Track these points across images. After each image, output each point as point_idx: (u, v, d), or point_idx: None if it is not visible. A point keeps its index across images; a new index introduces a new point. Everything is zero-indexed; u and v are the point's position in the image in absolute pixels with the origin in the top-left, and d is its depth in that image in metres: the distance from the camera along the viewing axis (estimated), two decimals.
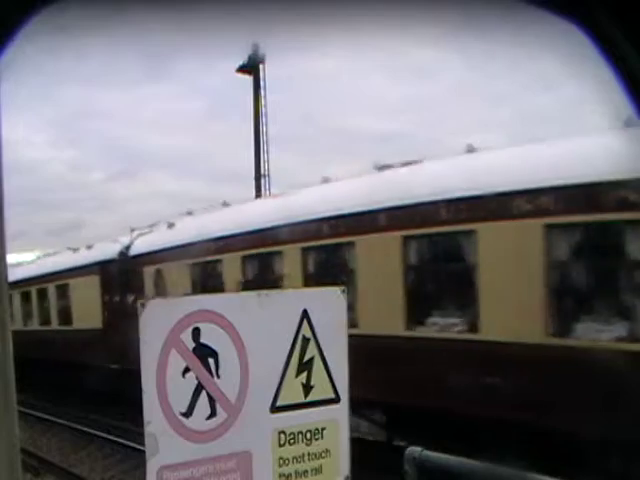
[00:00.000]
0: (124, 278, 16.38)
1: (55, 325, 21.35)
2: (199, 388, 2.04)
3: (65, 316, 20.55)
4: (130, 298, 15.45)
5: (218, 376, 2.07)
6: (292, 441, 2.23)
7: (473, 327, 9.17)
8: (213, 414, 2.07)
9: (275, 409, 2.20)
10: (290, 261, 11.83)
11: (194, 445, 2.04)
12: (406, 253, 9.97)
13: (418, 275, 10.08)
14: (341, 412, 2.33)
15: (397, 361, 9.97)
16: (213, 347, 2.06)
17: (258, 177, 23.51)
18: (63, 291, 20.75)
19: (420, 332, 9.83)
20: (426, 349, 9.69)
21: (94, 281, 18.33)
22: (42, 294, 22.25)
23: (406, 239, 9.92)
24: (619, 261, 7.90)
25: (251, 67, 23.03)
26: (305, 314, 2.23)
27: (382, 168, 11.11)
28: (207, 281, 14.14)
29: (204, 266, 14.29)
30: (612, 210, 7.48)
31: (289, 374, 2.22)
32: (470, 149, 9.79)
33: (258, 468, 2.16)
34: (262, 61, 23.02)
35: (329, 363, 2.29)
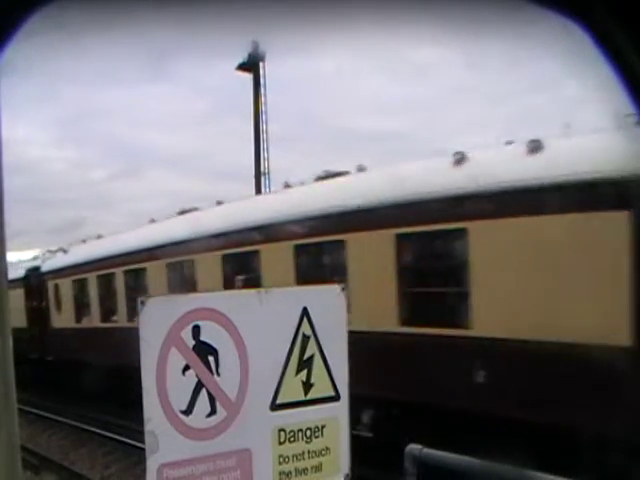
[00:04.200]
0: None
1: None
2: (199, 386, 2.04)
3: None
4: None
5: (218, 374, 2.07)
6: (292, 439, 2.23)
7: None
8: (213, 412, 2.07)
9: (275, 407, 2.20)
10: None
11: (194, 443, 2.04)
12: None
13: None
14: (341, 410, 2.33)
15: None
16: (213, 345, 2.06)
17: (258, 175, 23.49)
18: None
19: None
20: None
21: None
22: None
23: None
24: None
25: (251, 65, 22.99)
26: (305, 312, 2.23)
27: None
28: None
29: None
30: None
31: (289, 372, 2.22)
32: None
33: (258, 466, 2.16)
34: (262, 59, 23.00)
35: (329, 361, 2.29)
